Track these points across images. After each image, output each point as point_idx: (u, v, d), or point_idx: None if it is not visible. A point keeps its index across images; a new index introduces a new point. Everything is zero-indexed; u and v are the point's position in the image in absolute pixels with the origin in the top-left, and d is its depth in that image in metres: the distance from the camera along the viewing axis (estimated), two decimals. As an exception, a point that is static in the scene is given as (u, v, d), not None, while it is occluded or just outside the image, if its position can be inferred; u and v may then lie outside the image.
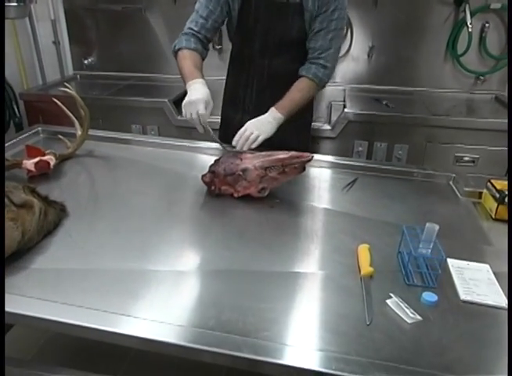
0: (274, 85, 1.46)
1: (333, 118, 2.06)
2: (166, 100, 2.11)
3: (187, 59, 1.35)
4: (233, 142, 1.27)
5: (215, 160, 1.21)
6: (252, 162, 1.15)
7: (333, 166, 1.41)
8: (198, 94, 1.23)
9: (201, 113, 1.22)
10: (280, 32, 1.38)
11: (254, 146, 1.23)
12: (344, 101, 2.20)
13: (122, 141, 1.54)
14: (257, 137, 1.25)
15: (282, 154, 1.13)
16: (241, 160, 1.17)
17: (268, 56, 1.44)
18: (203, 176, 1.19)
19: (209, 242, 0.98)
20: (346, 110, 2.00)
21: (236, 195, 1.17)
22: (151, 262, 0.90)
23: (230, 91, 1.58)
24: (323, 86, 1.43)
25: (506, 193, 1.08)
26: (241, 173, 1.14)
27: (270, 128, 1.30)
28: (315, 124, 2.05)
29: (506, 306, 0.80)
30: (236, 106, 1.55)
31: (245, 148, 1.25)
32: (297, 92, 1.37)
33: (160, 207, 1.13)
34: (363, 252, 0.93)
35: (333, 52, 1.38)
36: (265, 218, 1.09)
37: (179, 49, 1.38)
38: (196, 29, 1.39)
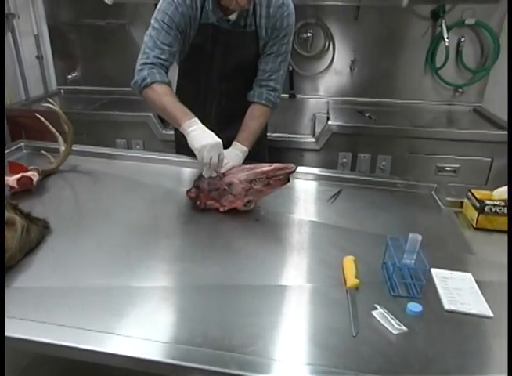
0: (231, 107, 1.49)
1: (317, 130, 2.08)
2: (150, 114, 2.10)
3: (168, 95, 1.25)
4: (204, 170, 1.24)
5: (199, 175, 1.21)
6: (236, 176, 1.16)
7: (318, 178, 1.42)
8: (214, 137, 1.16)
9: (222, 159, 1.17)
10: (237, 57, 1.40)
11: (223, 170, 1.20)
12: (327, 113, 2.22)
13: (106, 156, 1.53)
14: (227, 164, 1.23)
15: (266, 167, 1.14)
16: (224, 174, 1.18)
17: (225, 79, 1.45)
18: (188, 191, 1.19)
19: (195, 257, 0.97)
20: (330, 122, 2.02)
21: (221, 209, 1.17)
22: (136, 277, 0.89)
23: None
24: (276, 108, 1.45)
25: (486, 202, 1.11)
26: (226, 187, 1.15)
27: (238, 159, 1.31)
28: (300, 137, 2.08)
29: (489, 315, 0.81)
30: None
31: (218, 170, 1.21)
32: (255, 121, 1.40)
33: (145, 222, 1.12)
34: (349, 264, 0.93)
35: (281, 73, 1.42)
36: (251, 232, 1.09)
37: (152, 83, 1.25)
38: (164, 57, 1.28)
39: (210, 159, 1.14)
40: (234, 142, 1.35)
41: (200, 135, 1.16)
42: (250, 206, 1.17)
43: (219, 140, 1.15)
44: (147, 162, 1.50)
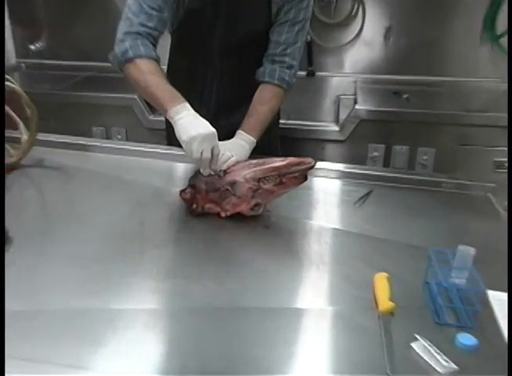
0: (235, 89, 1.50)
1: (342, 117, 2.09)
2: (135, 96, 2.12)
3: (154, 74, 1.24)
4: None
5: (196, 172, 1.22)
6: (241, 173, 1.16)
7: (343, 176, 1.42)
8: (207, 126, 1.15)
9: (217, 153, 1.16)
10: (244, 27, 1.40)
11: (224, 166, 1.21)
12: (354, 95, 2.23)
13: (80, 147, 1.55)
14: (229, 158, 1.23)
15: (278, 161, 1.14)
16: (226, 172, 1.19)
17: (228, 54, 1.45)
18: (181, 192, 1.20)
19: (190, 272, 0.98)
20: (357, 106, 2.03)
21: (223, 214, 1.18)
22: (117, 298, 0.90)
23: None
24: (291, 89, 1.45)
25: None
26: (229, 187, 1.16)
27: (244, 152, 1.32)
28: (320, 125, 2.09)
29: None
30: None
31: (213, 167, 1.23)
32: (264, 105, 1.40)
33: (128, 230, 1.13)
34: (381, 283, 0.93)
35: (299, 46, 1.42)
36: (259, 242, 1.10)
37: (134, 58, 1.24)
38: (151, 25, 1.27)
39: (202, 154, 1.12)
40: (239, 132, 1.36)
41: (189, 123, 1.15)
42: (258, 210, 1.17)
43: (213, 130, 1.14)
44: (131, 155, 1.51)
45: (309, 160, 1.13)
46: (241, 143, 1.33)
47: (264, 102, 1.40)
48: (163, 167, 1.47)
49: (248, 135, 1.35)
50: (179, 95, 1.21)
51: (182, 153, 1.46)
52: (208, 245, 1.08)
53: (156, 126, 2.10)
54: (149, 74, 1.24)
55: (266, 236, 1.12)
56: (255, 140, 1.35)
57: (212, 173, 1.18)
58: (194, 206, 1.19)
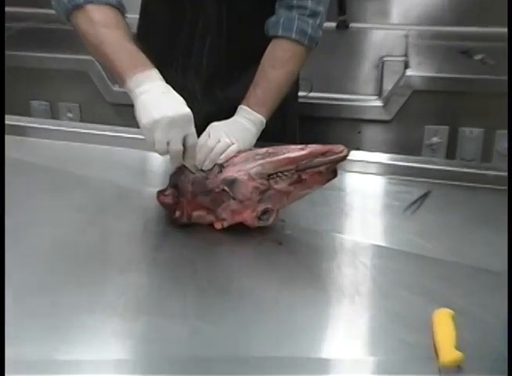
0: (236, 46, 1.50)
1: (387, 87, 2.09)
2: (94, 59, 2.12)
3: (112, 27, 1.21)
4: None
5: (179, 167, 1.22)
6: (243, 168, 1.17)
7: (388, 171, 1.44)
8: (179, 105, 1.14)
9: (191, 144, 1.15)
10: None
11: (221, 159, 1.21)
12: (405, 56, 2.24)
13: (15, 131, 1.56)
14: (228, 146, 1.23)
15: (295, 150, 1.15)
16: (222, 165, 1.20)
17: None
18: (160, 194, 1.21)
19: (171, 307, 0.99)
20: (409, 71, 2.03)
21: (218, 225, 1.19)
22: (67, 345, 0.90)
23: (156, 53, 1.51)
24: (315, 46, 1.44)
25: None
26: (226, 188, 1.16)
27: (249, 137, 1.30)
28: (355, 99, 2.08)
29: None
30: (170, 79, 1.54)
31: (207, 163, 1.22)
32: (278, 69, 1.39)
33: (84, 248, 1.14)
34: (443, 323, 0.93)
35: None
36: (269, 265, 1.11)
37: (85, 4, 1.21)
38: None
39: (168, 145, 1.11)
40: (241, 108, 1.35)
41: (152, 100, 1.13)
42: (267, 220, 1.18)
43: (187, 111, 1.12)
44: (88, 142, 1.53)
45: (340, 148, 1.13)
46: (245, 124, 1.32)
47: (277, 65, 1.40)
48: (133, 158, 1.48)
49: (255, 113, 1.34)
50: (144, 58, 1.19)
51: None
52: (197, 269, 1.09)
53: (123, 100, 2.09)
54: (103, 26, 1.20)
55: (279, 257, 1.13)
56: (264, 120, 1.35)
57: (202, 171, 1.19)
58: (177, 214, 1.19)
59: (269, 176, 1.15)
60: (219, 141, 1.22)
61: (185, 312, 0.98)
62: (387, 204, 1.33)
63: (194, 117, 1.18)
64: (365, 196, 1.36)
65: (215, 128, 1.28)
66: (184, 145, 1.13)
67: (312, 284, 1.06)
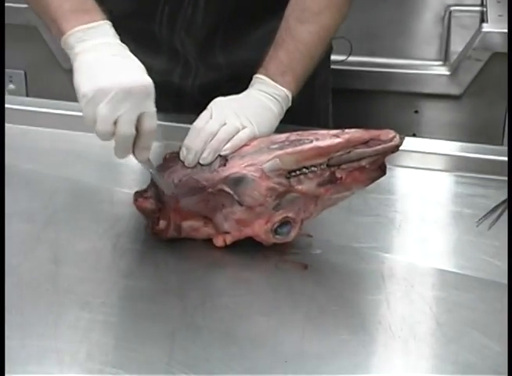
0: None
1: (456, 48, 2.08)
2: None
3: None
4: (182, 152, 1.24)
5: (164, 158, 1.23)
6: (253, 161, 1.16)
7: (455, 166, 1.44)
8: (138, 72, 1.15)
9: (148, 129, 1.13)
10: None
11: (226, 149, 1.20)
12: (481, 5, 2.24)
13: None
14: (237, 131, 1.22)
15: (325, 137, 1.14)
16: (226, 158, 1.19)
17: None
18: (138, 196, 1.21)
19: (152, 358, 0.98)
20: (486, 27, 2.02)
21: (219, 242, 1.19)
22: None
23: (132, 22, 1.49)
24: None
25: None
26: (228, 189, 1.16)
27: (270, 119, 1.29)
28: (411, 65, 2.07)
29: None
30: (151, 36, 1.55)
31: (206, 155, 1.20)
32: (309, 23, 1.38)
33: (32, 272, 1.14)
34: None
35: None
36: (290, 296, 1.11)
37: None
38: None
39: (115, 125, 1.11)
40: (257, 77, 1.34)
41: (100, 62, 1.15)
42: (287, 234, 1.18)
43: (147, 81, 1.13)
44: (36, 124, 1.55)
45: (390, 134, 1.12)
46: (263, 101, 1.31)
47: (307, 18, 1.39)
48: (100, 148, 1.48)
49: (278, 85, 1.32)
50: (93, 4, 1.20)
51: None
52: (188, 303, 1.09)
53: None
54: None
55: (303, 286, 1.13)
56: (291, 95, 1.34)
57: (200, 165, 1.19)
58: (162, 224, 1.19)
59: (290, 173, 1.14)
60: (225, 123, 1.21)
61: (171, 364, 0.97)
62: (454, 213, 1.33)
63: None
64: (423, 201, 1.36)
65: (220, 105, 1.26)
66: (137, 128, 1.12)
67: (350, 325, 1.05)
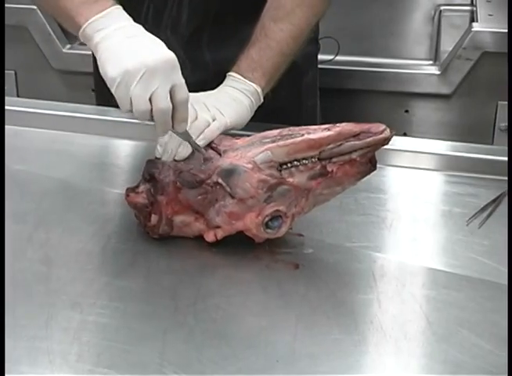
0: None
1: (445, 48, 2.08)
2: (34, 7, 2.13)
3: None
4: (157, 149, 1.25)
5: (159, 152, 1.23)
6: (246, 153, 1.17)
7: (446, 165, 1.45)
8: (159, 48, 1.17)
9: (181, 99, 1.16)
10: None
11: (202, 141, 1.21)
12: (471, 5, 2.25)
13: None
14: (208, 124, 1.24)
15: (317, 131, 1.15)
16: (219, 152, 1.20)
17: None
18: (130, 191, 1.21)
19: (143, 358, 0.98)
20: (476, 26, 2.02)
21: (210, 237, 1.19)
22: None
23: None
24: None
25: None
26: (220, 181, 1.16)
27: (241, 110, 1.31)
28: (400, 64, 2.07)
29: None
30: None
31: (181, 150, 1.21)
32: (282, 21, 1.40)
33: (24, 272, 1.14)
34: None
35: None
36: (282, 296, 1.11)
37: None
38: None
39: (150, 101, 1.14)
40: (229, 75, 1.36)
41: (122, 45, 1.17)
42: (277, 228, 1.18)
43: (170, 54, 1.15)
44: (27, 125, 1.54)
45: (380, 127, 1.13)
46: (233, 94, 1.33)
47: (279, 16, 1.41)
48: (90, 148, 1.48)
49: (247, 81, 1.35)
50: None
51: (124, 119, 1.49)
52: (180, 303, 1.09)
53: (75, 67, 2.11)
54: None
55: (295, 286, 1.13)
56: (260, 89, 1.36)
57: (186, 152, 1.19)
58: (154, 219, 1.19)
59: (282, 166, 1.15)
60: (196, 118, 1.23)
61: (163, 364, 0.97)
62: (444, 212, 1.33)
63: None
64: (414, 200, 1.36)
65: (191, 100, 1.25)
66: (172, 101, 1.14)
67: (341, 324, 1.05)
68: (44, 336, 1.02)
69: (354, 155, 1.12)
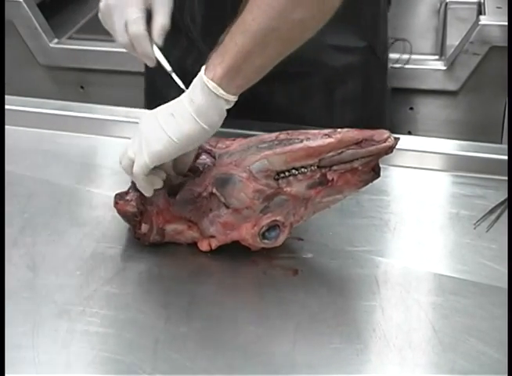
0: None
1: (452, 42, 2.08)
2: (20, 0, 2.13)
3: None
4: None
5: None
6: (241, 161, 1.16)
7: (452, 165, 1.44)
8: None
9: (162, 24, 1.26)
10: None
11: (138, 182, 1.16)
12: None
13: None
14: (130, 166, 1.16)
15: (316, 137, 1.14)
16: (213, 156, 1.20)
17: None
18: (119, 199, 1.21)
19: (133, 368, 0.98)
20: (483, 19, 2.03)
21: (204, 246, 1.19)
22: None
23: None
24: None
25: None
26: (215, 191, 1.16)
27: (187, 131, 1.14)
28: (405, 59, 2.07)
29: None
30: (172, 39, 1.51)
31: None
32: (257, 9, 1.16)
33: (7, 279, 1.13)
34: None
35: None
36: (280, 304, 1.11)
37: None
38: None
39: (127, 28, 1.27)
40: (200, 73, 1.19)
41: None
42: (275, 238, 1.17)
43: None
44: (12, 123, 1.53)
45: (383, 134, 1.11)
46: (183, 111, 1.15)
47: (256, 3, 1.17)
48: (78, 148, 1.48)
49: (209, 80, 1.14)
50: None
51: (119, 118, 1.49)
52: (172, 312, 1.09)
53: (63, 62, 2.11)
54: None
55: (293, 293, 1.12)
56: (221, 90, 1.14)
57: None
58: (144, 228, 1.19)
59: (279, 174, 1.14)
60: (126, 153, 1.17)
61: (154, 374, 0.97)
62: (451, 215, 1.32)
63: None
64: (419, 202, 1.36)
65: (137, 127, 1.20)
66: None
67: (343, 333, 1.05)
68: (30, 345, 1.02)
69: (356, 164, 1.11)
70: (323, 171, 1.13)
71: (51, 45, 2.14)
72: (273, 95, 1.47)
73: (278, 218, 1.15)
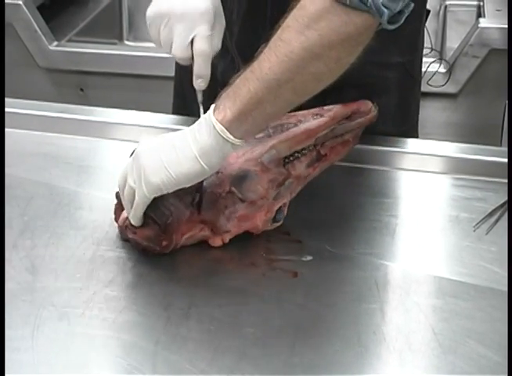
0: None
1: (451, 44, 2.08)
2: (20, 2, 2.13)
3: None
4: None
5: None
6: (251, 155, 1.18)
7: (452, 168, 1.44)
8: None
9: (199, 51, 1.24)
10: None
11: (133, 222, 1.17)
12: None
13: None
14: (132, 195, 1.16)
15: (308, 118, 1.17)
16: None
17: None
18: (132, 228, 1.20)
19: (135, 371, 0.98)
20: (483, 22, 2.02)
21: (217, 242, 1.19)
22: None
23: None
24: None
25: None
26: (233, 189, 1.17)
27: (187, 170, 1.13)
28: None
29: None
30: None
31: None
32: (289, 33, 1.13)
33: (7, 282, 1.13)
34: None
35: None
36: (279, 306, 1.11)
37: None
38: None
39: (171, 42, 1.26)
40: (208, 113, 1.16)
41: None
42: (280, 219, 1.21)
43: (201, 7, 1.23)
44: (13, 126, 1.53)
45: (368, 104, 1.18)
46: (184, 151, 1.14)
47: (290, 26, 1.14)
48: (80, 151, 1.48)
49: (218, 123, 1.12)
50: None
51: (114, 120, 1.49)
52: (172, 314, 1.08)
53: (62, 65, 2.11)
54: None
55: (293, 295, 1.12)
56: (228, 133, 1.12)
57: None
58: (164, 244, 1.16)
59: (285, 160, 1.17)
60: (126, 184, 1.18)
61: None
62: (451, 218, 1.32)
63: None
64: (419, 205, 1.36)
65: (134, 160, 1.18)
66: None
67: (343, 336, 1.05)
68: (29, 348, 1.02)
69: (346, 136, 1.16)
70: (317, 148, 1.16)
71: (50, 47, 2.14)
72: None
73: (285, 201, 1.20)
